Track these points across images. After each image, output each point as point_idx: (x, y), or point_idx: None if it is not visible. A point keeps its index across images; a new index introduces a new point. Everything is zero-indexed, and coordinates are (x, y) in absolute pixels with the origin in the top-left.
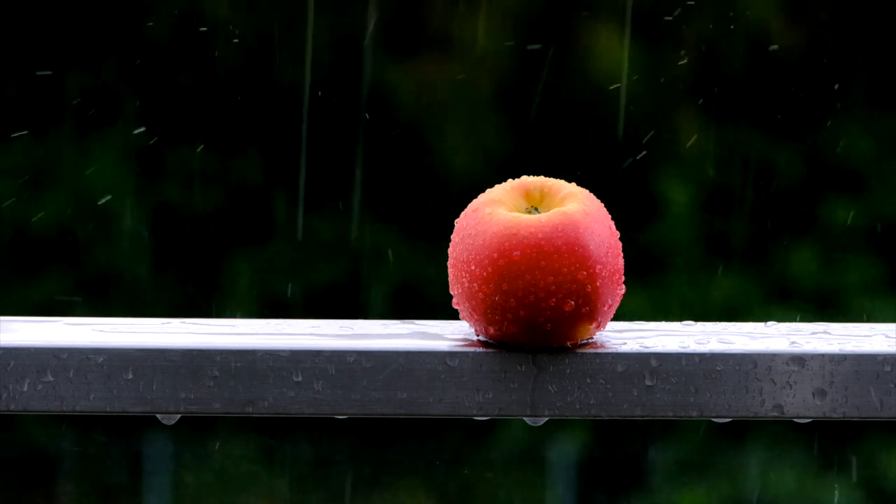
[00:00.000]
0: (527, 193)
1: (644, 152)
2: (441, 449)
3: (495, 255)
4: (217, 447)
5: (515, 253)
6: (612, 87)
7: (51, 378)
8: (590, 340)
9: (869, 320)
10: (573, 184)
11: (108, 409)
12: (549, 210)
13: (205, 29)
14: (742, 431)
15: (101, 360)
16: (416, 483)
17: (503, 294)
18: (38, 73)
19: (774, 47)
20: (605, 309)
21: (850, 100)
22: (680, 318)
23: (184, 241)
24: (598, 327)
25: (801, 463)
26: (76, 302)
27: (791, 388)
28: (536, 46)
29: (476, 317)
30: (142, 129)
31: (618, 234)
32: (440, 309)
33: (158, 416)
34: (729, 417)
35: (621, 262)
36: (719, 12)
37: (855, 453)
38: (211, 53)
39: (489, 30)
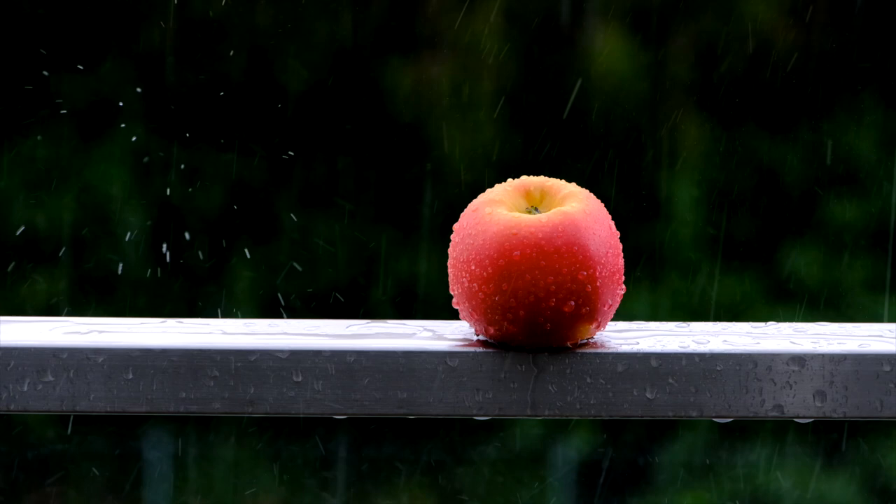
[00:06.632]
0: (527, 193)
1: (645, 152)
2: (441, 449)
3: (495, 255)
4: (217, 447)
5: (515, 253)
6: (613, 87)
7: (51, 378)
8: (590, 340)
9: (869, 320)
10: (573, 184)
11: (108, 409)
12: (549, 210)
13: (206, 28)
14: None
15: (101, 360)
16: (417, 483)
17: (503, 294)
18: (39, 73)
19: (776, 46)
20: (605, 309)
21: (852, 98)
22: (680, 319)
23: (185, 240)
24: (598, 327)
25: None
26: (76, 302)
27: (791, 388)
28: (537, 46)
29: (476, 317)
30: (143, 130)
31: (618, 234)
32: (440, 309)
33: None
34: (729, 417)
35: (621, 262)
36: (721, 12)
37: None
38: (212, 53)
39: (490, 29)
